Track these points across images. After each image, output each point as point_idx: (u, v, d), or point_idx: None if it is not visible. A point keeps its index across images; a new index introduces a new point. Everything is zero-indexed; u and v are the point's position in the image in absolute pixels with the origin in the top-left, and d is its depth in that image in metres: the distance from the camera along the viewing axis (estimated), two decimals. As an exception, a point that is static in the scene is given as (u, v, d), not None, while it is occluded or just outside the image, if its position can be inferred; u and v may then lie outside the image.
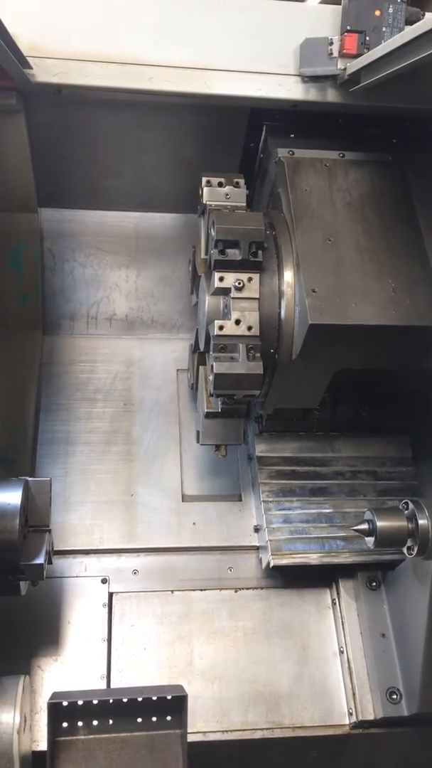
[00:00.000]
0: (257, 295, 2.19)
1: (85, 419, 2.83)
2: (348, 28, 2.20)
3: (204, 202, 2.39)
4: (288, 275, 2.24)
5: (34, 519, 2.10)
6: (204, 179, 2.41)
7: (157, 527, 2.64)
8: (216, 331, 2.18)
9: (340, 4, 2.25)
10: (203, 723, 2.27)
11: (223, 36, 2.29)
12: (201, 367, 2.59)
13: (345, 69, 2.21)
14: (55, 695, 2.00)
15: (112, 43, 2.23)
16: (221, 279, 2.19)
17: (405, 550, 2.12)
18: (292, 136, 2.51)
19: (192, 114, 2.61)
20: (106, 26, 2.23)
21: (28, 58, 2.12)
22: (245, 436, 2.60)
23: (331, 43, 2.22)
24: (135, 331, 3.05)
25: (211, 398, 2.41)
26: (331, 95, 2.33)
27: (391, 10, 2.20)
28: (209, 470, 2.80)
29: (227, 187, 2.40)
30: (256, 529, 2.66)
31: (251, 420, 2.74)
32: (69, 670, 2.31)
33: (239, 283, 2.18)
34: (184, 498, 2.72)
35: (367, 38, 2.20)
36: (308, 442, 2.69)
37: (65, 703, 1.94)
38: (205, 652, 2.40)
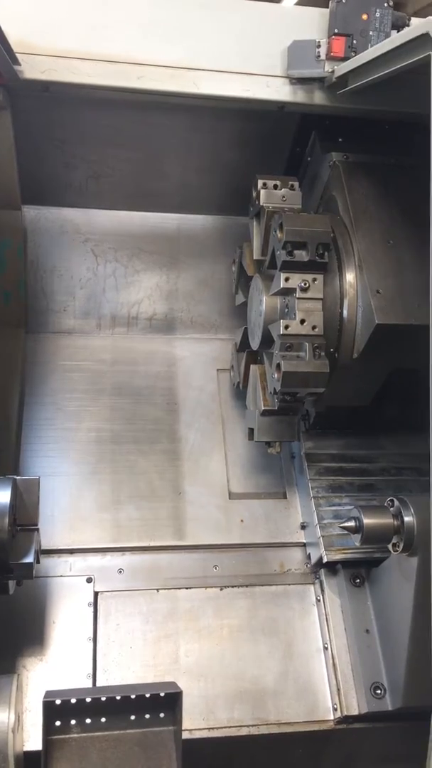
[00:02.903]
0: (321, 296, 2.25)
1: (129, 418, 2.84)
2: (335, 31, 2.24)
3: (261, 204, 2.44)
4: (350, 276, 2.30)
5: (23, 518, 2.10)
6: (260, 181, 2.46)
7: (205, 524, 2.67)
8: (282, 330, 2.23)
9: (326, 6, 2.29)
10: (189, 721, 2.27)
11: (212, 36, 2.32)
12: (252, 366, 2.63)
13: (332, 72, 2.26)
14: (48, 694, 2.00)
15: (102, 42, 2.23)
16: (287, 279, 2.24)
17: (390, 546, 2.16)
18: (341, 140, 2.58)
19: (228, 118, 2.62)
20: (96, 24, 2.24)
21: (16, 54, 2.11)
22: (298, 433, 2.65)
23: (319, 46, 2.27)
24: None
25: (268, 396, 2.45)
26: (318, 97, 2.38)
27: (378, 14, 2.25)
28: (254, 468, 2.84)
29: (283, 189, 2.46)
30: (303, 526, 2.71)
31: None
32: (54, 669, 2.30)
33: (305, 284, 2.23)
34: (231, 495, 2.76)
35: (354, 42, 2.24)
36: (354, 439, 2.74)
37: (58, 702, 1.94)
38: (191, 650, 2.42)
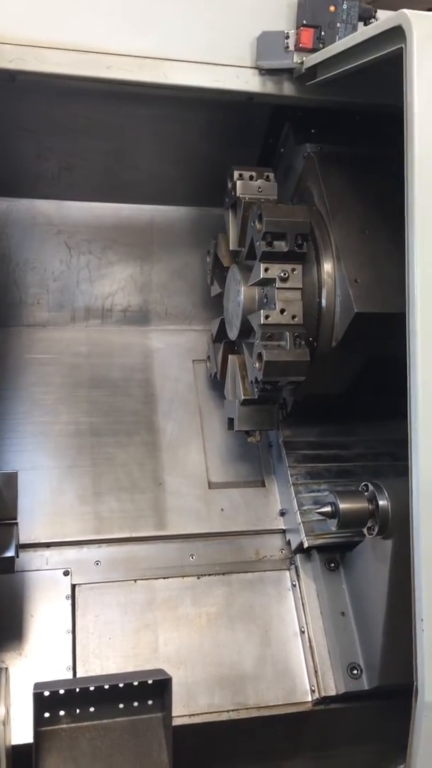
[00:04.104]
0: (301, 285, 2.28)
1: (107, 411, 2.84)
2: (303, 22, 2.25)
3: (238, 194, 2.45)
4: (328, 266, 2.34)
5: (2, 512, 2.10)
6: (236, 172, 2.48)
7: (186, 514, 2.69)
8: (262, 321, 2.26)
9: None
10: None
11: (181, 26, 2.31)
12: (231, 356, 2.65)
13: (302, 63, 2.26)
14: (37, 685, 2.00)
15: (70, 31, 2.20)
16: (267, 270, 2.26)
17: (365, 530, 2.21)
18: (314, 132, 2.60)
19: (199, 109, 2.61)
20: (65, 13, 2.21)
21: None
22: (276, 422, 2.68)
23: (287, 37, 2.26)
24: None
25: (248, 385, 2.48)
26: (288, 89, 2.37)
27: (345, 6, 2.26)
28: (232, 457, 2.87)
29: (259, 180, 2.48)
30: (282, 513, 2.75)
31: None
32: (34, 663, 2.30)
33: (284, 274, 2.25)
34: (211, 485, 2.79)
35: (323, 33, 2.25)
36: (331, 426, 2.79)
37: (47, 693, 1.94)
38: (170, 639, 2.44)
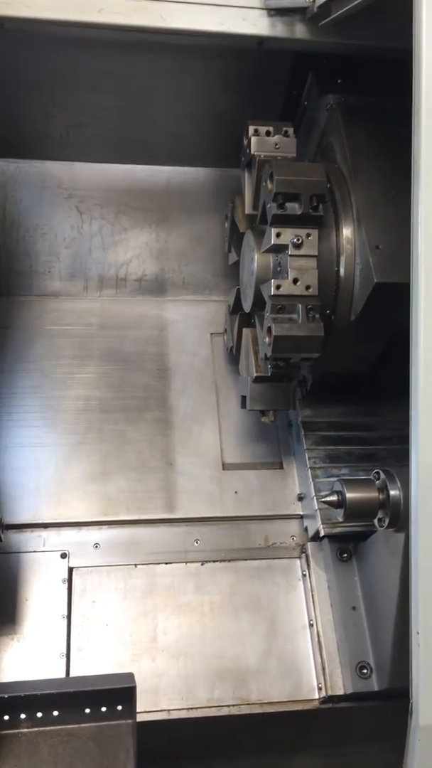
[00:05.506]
0: (316, 253, 2.07)
1: (118, 386, 2.71)
2: None
3: (252, 152, 2.24)
4: (347, 231, 2.12)
5: None
6: (251, 128, 2.26)
7: (198, 496, 2.55)
8: (273, 291, 2.06)
9: None
10: (167, 701, 2.18)
11: None
12: (245, 329, 2.47)
13: (314, 1, 2.02)
14: None
15: None
16: (278, 235, 2.05)
17: (376, 522, 2.00)
18: (340, 82, 2.36)
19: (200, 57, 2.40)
20: None
21: None
22: (293, 401, 2.49)
23: None
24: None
25: (261, 361, 2.30)
26: (300, 31, 2.13)
27: None
28: (249, 437, 2.70)
29: (276, 136, 2.26)
30: (300, 498, 2.58)
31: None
32: (27, 649, 2.21)
33: (298, 240, 2.04)
34: (225, 466, 2.63)
35: None
36: (354, 406, 2.58)
37: (6, 697, 1.82)
38: (169, 628, 2.31)
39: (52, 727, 1.78)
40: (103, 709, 1.82)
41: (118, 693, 1.82)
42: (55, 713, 1.80)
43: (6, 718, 1.78)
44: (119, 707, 1.82)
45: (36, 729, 1.78)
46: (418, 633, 1.24)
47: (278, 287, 2.06)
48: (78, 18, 2.01)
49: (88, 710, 1.81)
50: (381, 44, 2.12)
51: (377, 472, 1.95)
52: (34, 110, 2.54)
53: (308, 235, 2.05)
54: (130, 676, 1.84)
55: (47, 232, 2.80)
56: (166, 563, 2.40)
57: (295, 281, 2.06)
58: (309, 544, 2.45)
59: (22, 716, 1.79)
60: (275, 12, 2.09)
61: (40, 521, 2.40)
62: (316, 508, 2.40)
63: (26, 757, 1.73)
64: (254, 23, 2.10)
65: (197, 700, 2.21)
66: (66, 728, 1.78)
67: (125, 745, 1.75)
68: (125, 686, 1.79)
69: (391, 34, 1.96)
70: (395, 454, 2.53)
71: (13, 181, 2.74)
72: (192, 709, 2.18)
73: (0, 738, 1.74)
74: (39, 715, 1.79)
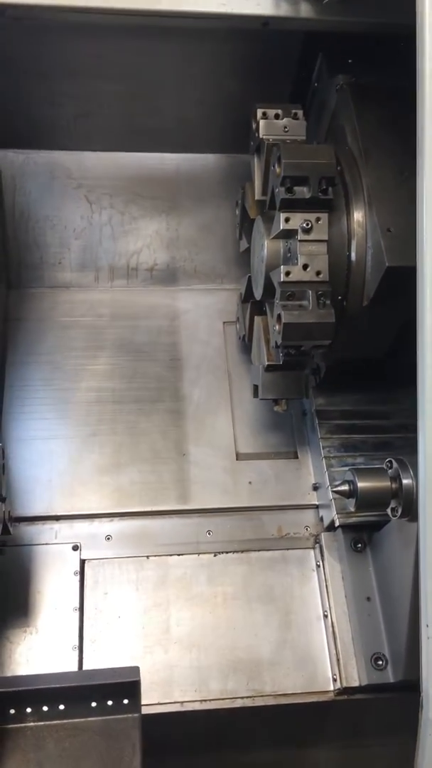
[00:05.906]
0: (326, 237, 2.02)
1: (131, 376, 2.69)
2: None
3: (261, 136, 2.19)
4: (358, 214, 2.07)
5: None
6: (259, 111, 2.21)
7: (211, 487, 2.52)
8: (282, 278, 2.02)
9: None
10: (180, 693, 2.16)
11: None
12: (256, 317, 2.43)
13: None
14: (1, 681, 1.90)
15: None
16: (287, 220, 2.01)
17: (389, 511, 1.94)
18: (351, 62, 2.30)
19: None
20: None
21: None
22: (306, 390, 2.45)
23: None
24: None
25: (272, 350, 2.26)
26: (305, 10, 2.09)
27: None
28: (263, 427, 2.67)
29: (285, 119, 2.21)
30: (315, 487, 2.54)
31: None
32: (39, 641, 2.20)
33: (307, 224, 2.00)
34: (239, 456, 2.60)
35: None
36: (369, 394, 2.54)
37: (11, 691, 1.82)
38: (182, 619, 2.29)
39: (58, 721, 1.77)
40: (110, 702, 1.81)
41: (124, 687, 1.81)
42: (61, 707, 1.79)
43: (12, 712, 1.78)
44: (125, 701, 1.81)
45: (42, 723, 1.77)
46: (428, 626, 1.20)
47: (288, 273, 2.02)
48: (77, 3, 1.97)
49: (94, 704, 1.79)
50: (386, 21, 2.07)
51: (390, 461, 1.91)
52: (41, 100, 2.52)
53: (318, 219, 2.00)
54: (135, 670, 1.83)
55: (57, 223, 2.79)
56: (179, 555, 2.38)
57: (305, 267, 2.01)
58: (323, 535, 2.41)
59: (28, 710, 1.78)
60: None
61: (53, 513, 2.39)
62: (331, 497, 2.36)
63: (32, 751, 1.72)
64: (258, 3, 2.06)
65: (210, 692, 2.19)
66: (72, 722, 1.77)
67: (131, 739, 1.74)
68: (129, 680, 1.77)
69: (396, 11, 1.90)
70: (411, 442, 2.43)
71: (22, 171, 2.72)
72: (205, 701, 2.16)
73: (6, 732, 1.73)
74: (45, 708, 1.79)
